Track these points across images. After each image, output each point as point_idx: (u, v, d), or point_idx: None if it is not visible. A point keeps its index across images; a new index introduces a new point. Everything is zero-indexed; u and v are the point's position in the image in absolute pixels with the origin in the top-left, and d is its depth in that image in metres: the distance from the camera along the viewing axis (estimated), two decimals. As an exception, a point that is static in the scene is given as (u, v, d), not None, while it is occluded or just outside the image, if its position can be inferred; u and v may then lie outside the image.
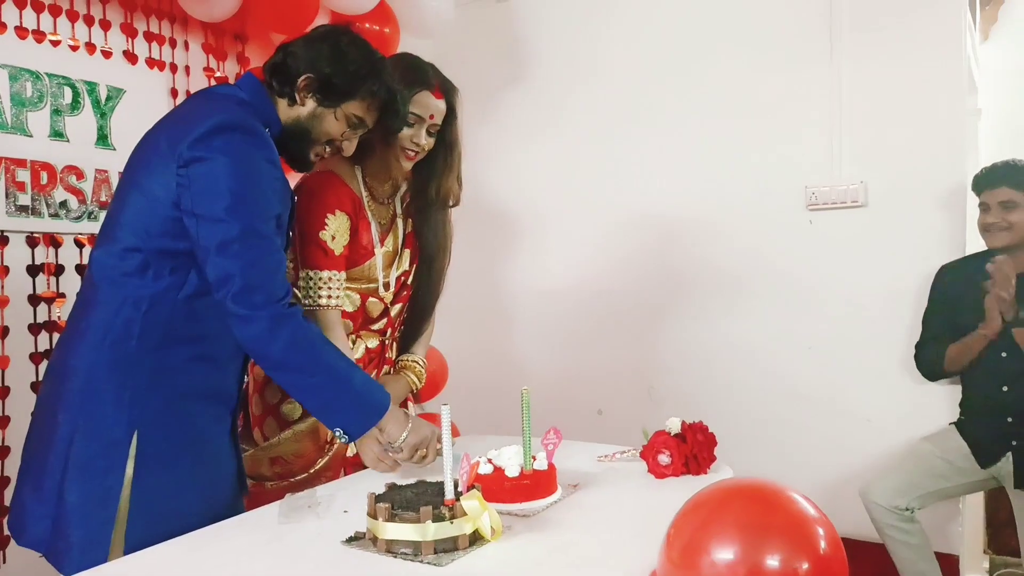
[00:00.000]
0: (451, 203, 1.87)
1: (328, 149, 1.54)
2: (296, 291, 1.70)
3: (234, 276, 1.31)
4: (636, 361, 3.01)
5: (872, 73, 2.61)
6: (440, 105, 1.73)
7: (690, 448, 1.47)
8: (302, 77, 1.46)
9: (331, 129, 1.50)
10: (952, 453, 2.32)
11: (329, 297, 1.68)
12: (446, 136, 1.77)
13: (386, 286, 1.81)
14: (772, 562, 0.95)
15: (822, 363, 2.69)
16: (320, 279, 1.68)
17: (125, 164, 1.46)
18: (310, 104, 1.48)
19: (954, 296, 2.39)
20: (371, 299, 1.80)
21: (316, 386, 1.39)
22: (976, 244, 2.48)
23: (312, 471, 1.74)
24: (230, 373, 1.49)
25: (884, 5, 2.60)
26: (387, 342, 1.87)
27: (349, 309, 1.77)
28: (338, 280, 1.70)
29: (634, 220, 3.02)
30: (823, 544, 0.98)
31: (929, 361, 2.44)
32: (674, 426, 1.52)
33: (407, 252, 1.86)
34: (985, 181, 2.32)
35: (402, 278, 1.85)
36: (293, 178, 1.62)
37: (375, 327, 1.82)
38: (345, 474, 1.77)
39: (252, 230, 1.32)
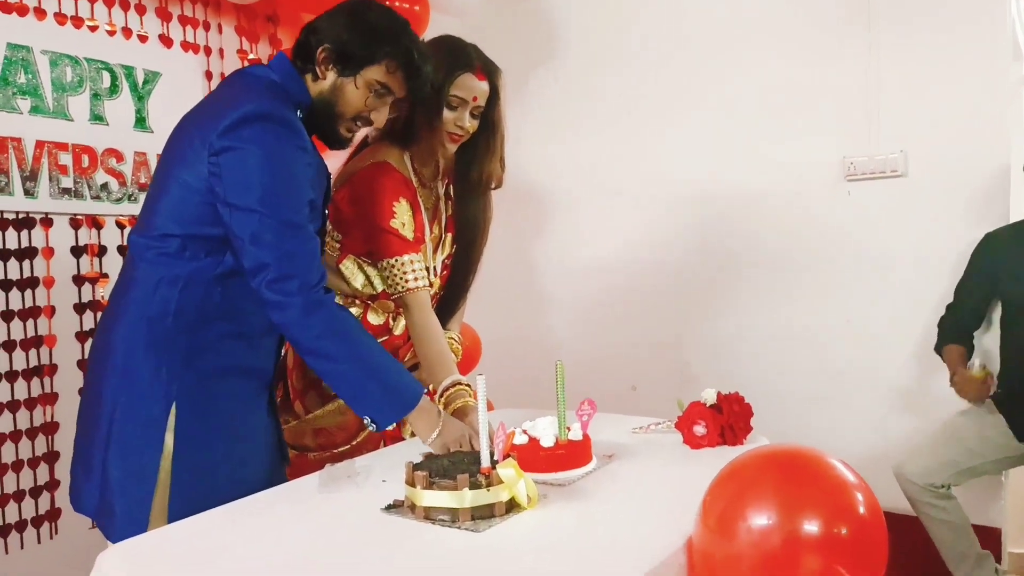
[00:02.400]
0: (493, 185, 1.86)
1: (360, 124, 1.52)
2: (378, 281, 1.76)
3: (269, 265, 1.33)
4: (670, 337, 3.00)
5: (912, 39, 2.55)
6: (483, 87, 1.71)
7: (726, 418, 1.46)
8: (320, 49, 1.46)
9: (354, 100, 1.47)
10: (988, 428, 2.28)
11: (416, 279, 1.70)
12: (489, 117, 1.76)
13: (433, 271, 1.82)
14: (810, 527, 0.95)
15: (860, 337, 2.65)
16: (402, 264, 1.70)
17: (162, 150, 1.49)
18: (331, 76, 1.47)
19: (997, 269, 2.33)
20: None
21: (346, 374, 1.40)
22: (1020, 214, 2.42)
23: (354, 443, 1.78)
24: (265, 350, 1.51)
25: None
26: None
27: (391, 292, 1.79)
28: (419, 261, 1.72)
29: (668, 197, 3.00)
30: (862, 510, 0.97)
31: (945, 328, 2.43)
32: (710, 397, 1.51)
33: (449, 236, 1.86)
34: None
35: (446, 262, 1.86)
36: (330, 159, 1.63)
37: None
38: (385, 446, 1.80)
39: (285, 220, 1.34)
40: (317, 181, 1.46)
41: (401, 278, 1.69)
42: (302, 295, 1.34)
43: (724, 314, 2.91)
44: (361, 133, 1.62)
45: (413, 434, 1.82)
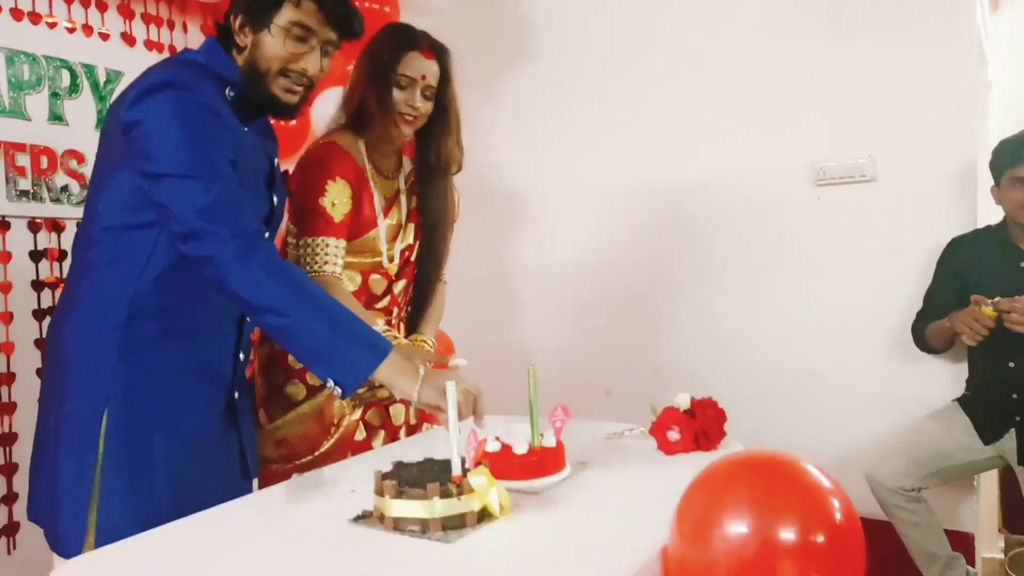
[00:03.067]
0: (453, 169, 1.84)
1: (293, 78, 1.43)
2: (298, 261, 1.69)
3: (194, 222, 1.26)
4: (644, 341, 3.00)
5: (880, 45, 2.57)
6: (431, 66, 1.72)
7: (700, 424, 1.45)
8: (233, 18, 1.43)
9: (274, 49, 1.40)
10: (956, 430, 2.30)
11: (327, 263, 1.65)
12: (442, 100, 1.76)
13: (390, 258, 1.79)
14: (787, 534, 0.93)
15: (830, 339, 2.67)
16: (319, 245, 1.66)
17: None
18: (248, 39, 1.42)
19: (961, 269, 2.36)
20: (373, 276, 1.79)
21: (300, 326, 1.27)
22: (986, 219, 2.45)
23: (317, 453, 1.73)
24: (215, 350, 1.46)
25: (891, -25, 2.55)
26: (393, 321, 1.85)
27: (351, 288, 1.76)
28: (337, 247, 1.67)
29: (640, 199, 2.99)
30: (838, 516, 0.96)
31: (919, 334, 2.42)
32: (683, 402, 1.50)
33: (411, 226, 1.84)
34: (1016, 155, 2.24)
35: (406, 252, 1.83)
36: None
37: (379, 305, 1.81)
38: (352, 455, 1.76)
39: (206, 175, 1.28)
40: (241, 148, 1.40)
41: (313, 259, 1.66)
42: (234, 242, 1.26)
43: (697, 317, 2.91)
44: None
45: (385, 441, 1.80)
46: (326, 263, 1.66)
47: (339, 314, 1.31)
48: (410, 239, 1.84)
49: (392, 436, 1.82)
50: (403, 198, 1.84)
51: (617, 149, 3.04)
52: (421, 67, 1.70)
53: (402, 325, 1.89)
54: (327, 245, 1.66)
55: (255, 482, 1.59)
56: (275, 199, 1.55)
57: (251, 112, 1.48)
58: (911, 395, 2.50)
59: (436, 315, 1.93)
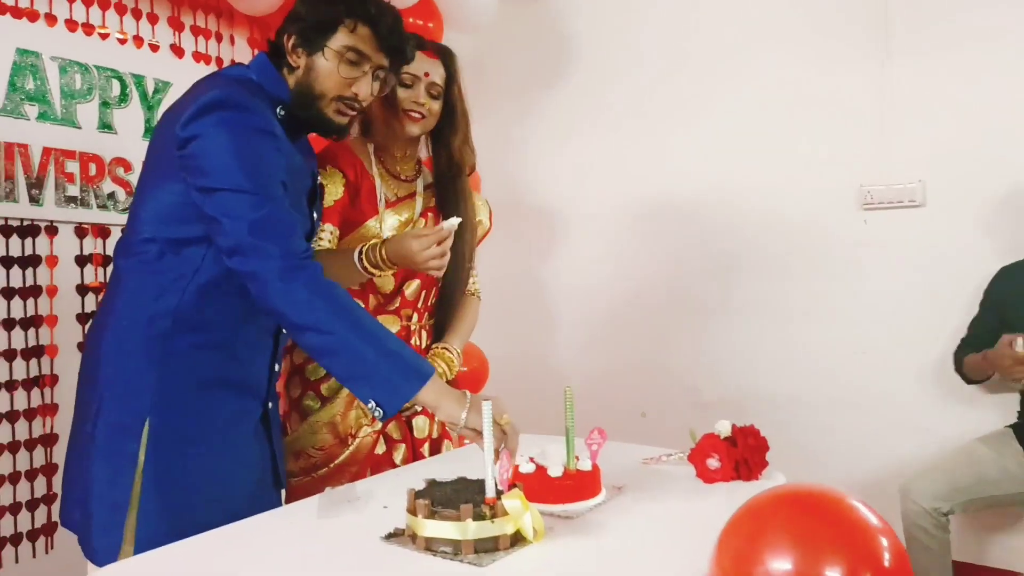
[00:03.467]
0: (465, 170, 1.84)
1: (347, 103, 1.45)
2: None
3: (243, 237, 1.27)
4: (681, 363, 2.95)
5: (930, 67, 2.52)
6: (434, 65, 1.75)
7: (741, 452, 1.41)
8: (286, 37, 1.44)
9: (328, 74, 1.42)
10: (1009, 458, 2.22)
11: (321, 241, 1.68)
12: (450, 101, 1.78)
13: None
14: (832, 573, 0.90)
15: (875, 368, 2.60)
16: (324, 235, 1.67)
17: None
18: (302, 60, 1.44)
19: (1003, 299, 2.29)
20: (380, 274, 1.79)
21: (341, 344, 1.26)
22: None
23: (333, 465, 1.72)
24: (252, 363, 1.46)
25: (942, -4, 2.50)
26: (412, 327, 1.83)
27: (354, 287, 1.76)
28: (325, 230, 1.69)
29: (681, 219, 2.96)
30: (887, 556, 0.92)
31: (959, 363, 2.35)
32: (724, 429, 1.46)
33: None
34: None
35: None
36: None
37: (391, 307, 1.80)
38: (371, 473, 1.74)
39: (259, 192, 1.28)
40: (292, 170, 1.41)
41: None
42: (281, 261, 1.26)
43: (735, 340, 2.86)
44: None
45: (406, 455, 1.78)
46: (318, 241, 1.68)
47: (383, 335, 1.30)
48: None
49: (413, 450, 1.80)
50: (419, 200, 1.84)
51: (655, 167, 3.01)
52: (423, 65, 1.73)
53: (423, 332, 1.86)
54: (323, 230, 1.68)
55: (283, 493, 1.59)
56: (315, 215, 1.57)
57: (299, 130, 1.50)
58: (957, 427, 2.43)
59: (465, 327, 1.90)
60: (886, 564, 0.91)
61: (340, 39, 1.43)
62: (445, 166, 1.83)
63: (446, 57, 1.78)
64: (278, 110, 1.43)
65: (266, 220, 1.28)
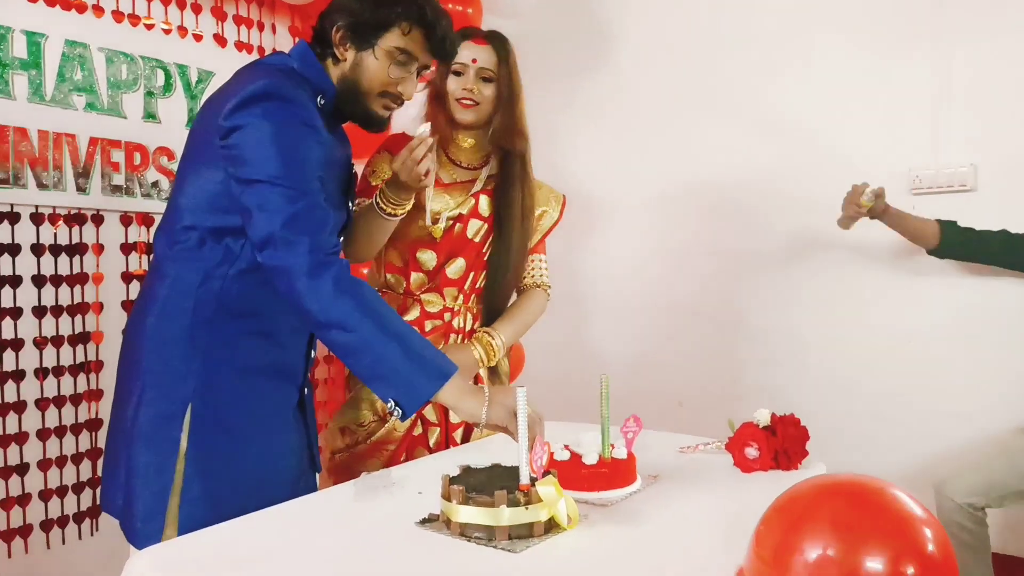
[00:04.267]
0: (515, 154, 1.84)
1: (391, 99, 1.48)
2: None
3: (275, 230, 1.27)
4: (718, 353, 2.91)
5: (982, 47, 2.43)
6: (482, 51, 1.79)
7: (780, 442, 1.39)
8: (335, 29, 1.43)
9: (377, 72, 1.44)
10: None
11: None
12: (501, 86, 1.80)
13: (434, 219, 1.79)
14: (874, 564, 0.87)
15: (922, 357, 2.53)
16: (358, 206, 1.71)
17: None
18: (350, 54, 1.45)
19: None
20: (420, 252, 1.80)
21: (364, 344, 1.26)
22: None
23: (370, 441, 1.75)
24: (291, 349, 1.47)
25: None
26: (456, 308, 1.83)
27: (397, 263, 1.81)
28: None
29: (722, 206, 2.91)
30: (931, 547, 0.90)
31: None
32: (763, 418, 1.43)
33: (471, 203, 1.83)
34: None
35: (457, 223, 1.81)
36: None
37: (433, 284, 1.81)
38: (408, 452, 1.76)
39: (295, 186, 1.29)
40: (330, 163, 1.43)
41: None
42: (309, 257, 1.26)
43: (776, 327, 2.81)
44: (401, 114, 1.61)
45: (439, 439, 1.79)
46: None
47: (406, 334, 1.30)
48: (464, 210, 1.82)
49: (447, 434, 1.81)
50: (478, 186, 1.85)
51: (695, 154, 2.97)
52: (471, 53, 1.78)
53: (469, 315, 1.86)
54: (362, 203, 1.73)
55: (317, 477, 1.61)
56: (351, 205, 1.58)
57: (339, 121, 1.51)
58: (997, 414, 2.36)
59: (519, 317, 1.89)
60: (930, 555, 0.89)
61: (392, 39, 1.43)
62: (498, 150, 1.86)
63: (496, 42, 1.80)
64: (319, 99, 1.44)
65: (300, 215, 1.28)
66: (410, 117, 1.91)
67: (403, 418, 1.29)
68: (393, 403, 1.28)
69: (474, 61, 1.77)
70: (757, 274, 2.86)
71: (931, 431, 2.52)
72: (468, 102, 1.78)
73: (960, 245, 2.32)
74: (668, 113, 3.03)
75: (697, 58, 2.96)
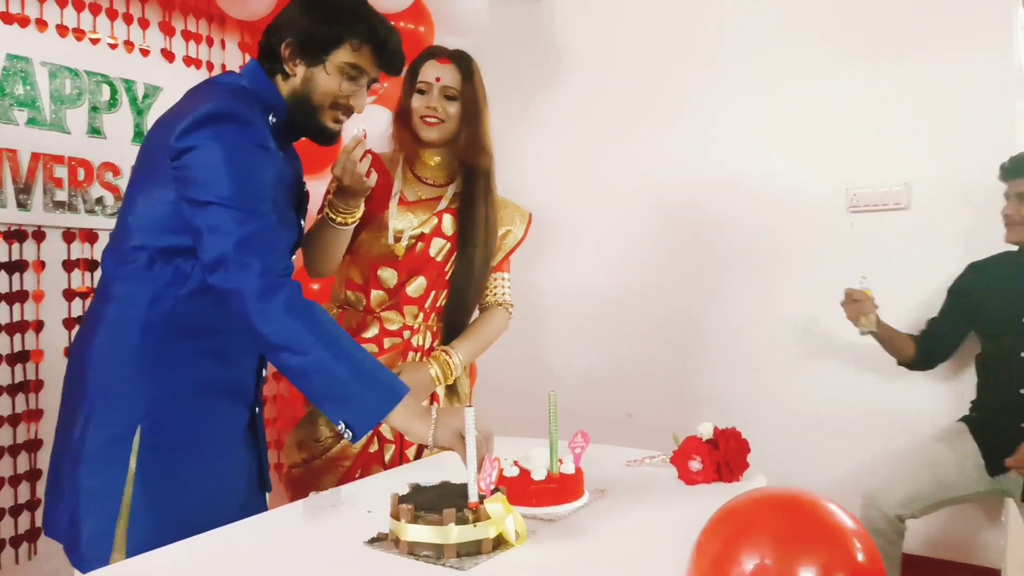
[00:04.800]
0: (478, 171, 1.85)
1: (342, 112, 1.49)
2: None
3: (227, 252, 1.27)
4: (667, 364, 2.97)
5: (917, 72, 2.55)
6: (446, 70, 1.80)
7: (722, 454, 1.43)
8: (283, 45, 1.43)
9: (328, 87, 1.45)
10: (964, 458, 2.24)
11: None
12: (464, 101, 1.81)
13: (396, 237, 1.80)
14: (807, 574, 0.91)
15: (861, 367, 2.62)
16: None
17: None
18: (300, 69, 1.45)
19: (975, 293, 2.34)
20: (382, 270, 1.80)
21: (314, 364, 1.26)
22: None
23: (326, 457, 1.75)
24: (242, 368, 1.47)
25: (930, 1, 2.53)
26: (416, 326, 1.84)
27: (358, 281, 1.81)
28: None
29: (667, 220, 2.98)
30: (861, 556, 0.94)
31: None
32: (706, 431, 1.47)
33: (435, 222, 1.84)
34: (1013, 170, 2.25)
35: (418, 242, 1.83)
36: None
37: (392, 302, 1.82)
38: (363, 469, 1.76)
39: (247, 208, 1.29)
40: (281, 182, 1.44)
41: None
42: (262, 279, 1.26)
43: (720, 340, 2.88)
44: (350, 124, 1.60)
45: (395, 455, 1.80)
46: None
47: (357, 356, 1.30)
48: (426, 229, 1.83)
49: (400, 451, 1.82)
50: (443, 204, 1.86)
51: (645, 170, 3.03)
52: (435, 71, 1.80)
53: (428, 333, 1.87)
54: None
55: (267, 496, 1.60)
56: (302, 223, 1.58)
57: (291, 137, 1.52)
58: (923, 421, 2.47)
59: (478, 335, 1.90)
60: (860, 564, 0.92)
61: (343, 55, 1.44)
62: (459, 165, 1.87)
63: (460, 61, 1.82)
64: (270, 117, 1.44)
65: (250, 237, 1.28)
66: (378, 135, 1.92)
67: (353, 440, 1.30)
68: (344, 425, 1.28)
69: (438, 80, 1.79)
70: (705, 289, 2.93)
71: (862, 442, 2.60)
72: (432, 120, 1.79)
73: (930, 353, 2.42)
74: (617, 129, 3.09)
75: (647, 73, 3.03)
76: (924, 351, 2.40)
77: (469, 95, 1.81)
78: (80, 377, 1.38)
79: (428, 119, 1.79)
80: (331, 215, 1.66)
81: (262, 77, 1.46)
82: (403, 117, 1.84)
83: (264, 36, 1.48)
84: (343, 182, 1.60)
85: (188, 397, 1.37)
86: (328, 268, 1.77)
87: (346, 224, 1.67)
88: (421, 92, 1.81)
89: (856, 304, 2.33)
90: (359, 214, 1.69)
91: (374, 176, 1.64)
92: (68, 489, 1.34)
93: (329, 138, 1.52)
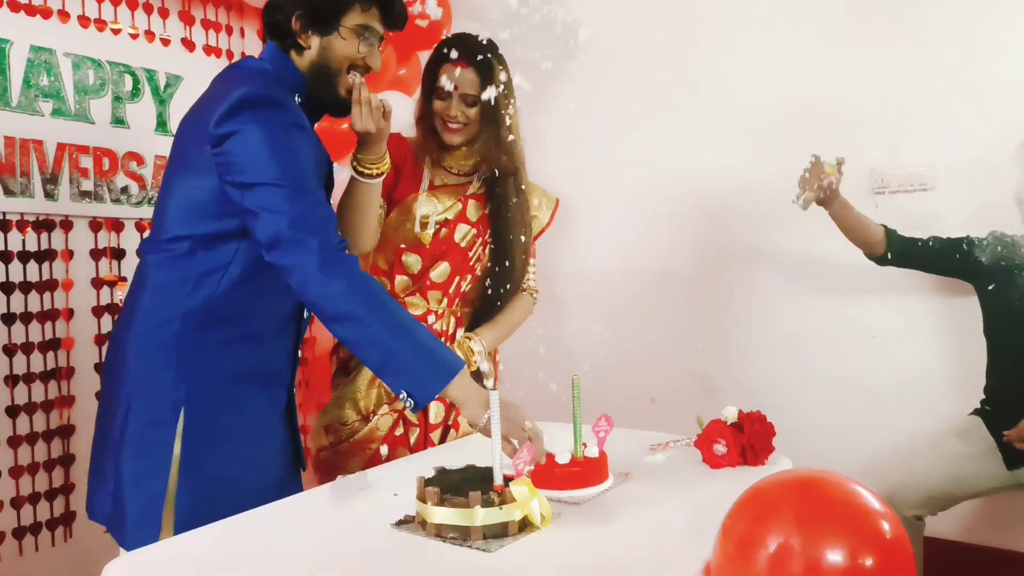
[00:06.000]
0: (507, 172, 1.85)
1: (359, 72, 1.50)
2: None
3: (283, 231, 1.29)
4: (690, 348, 2.96)
5: (938, 50, 2.50)
6: (465, 74, 1.77)
7: (747, 438, 1.43)
8: (293, 19, 1.44)
9: (346, 51, 1.47)
10: (982, 452, 2.16)
11: None
12: (487, 106, 1.79)
13: (422, 224, 1.81)
14: (834, 556, 0.91)
15: (887, 353, 2.60)
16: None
17: (168, 154, 1.48)
18: (315, 40, 1.46)
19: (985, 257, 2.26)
20: (406, 256, 1.82)
21: (377, 338, 1.30)
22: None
23: (353, 439, 1.77)
24: (279, 352, 1.49)
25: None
26: (439, 311, 1.85)
27: (383, 266, 1.83)
28: None
29: (692, 204, 2.96)
30: (889, 538, 0.93)
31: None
32: (731, 415, 1.47)
33: (459, 208, 1.85)
34: None
35: (443, 228, 1.84)
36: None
37: (416, 287, 1.83)
38: (389, 451, 1.78)
39: (296, 187, 1.31)
40: (319, 159, 1.45)
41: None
42: (321, 253, 1.29)
43: (746, 324, 2.86)
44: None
45: (419, 439, 1.81)
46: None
47: (416, 329, 1.34)
48: (450, 215, 1.84)
49: (425, 434, 1.83)
50: (470, 189, 1.87)
51: (666, 156, 3.01)
52: (454, 78, 1.77)
53: (452, 318, 1.88)
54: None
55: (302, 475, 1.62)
56: (330, 202, 1.58)
57: (313, 116, 1.53)
58: (956, 406, 2.43)
59: (502, 321, 1.92)
60: (887, 545, 0.92)
61: (354, 18, 1.46)
62: (486, 172, 1.87)
63: (480, 64, 1.78)
64: (295, 98, 1.45)
65: (305, 214, 1.31)
66: (400, 121, 1.92)
67: (414, 409, 1.32)
68: (406, 394, 1.31)
69: (456, 88, 1.77)
70: (726, 273, 2.91)
71: (892, 425, 2.58)
72: (455, 126, 1.79)
73: (903, 255, 2.31)
74: (640, 115, 3.06)
75: (666, 59, 3.00)
76: (901, 245, 2.30)
77: (492, 100, 1.79)
78: (119, 365, 1.40)
79: (451, 124, 1.79)
80: (360, 170, 1.65)
81: (283, 59, 1.47)
82: (425, 120, 1.83)
83: (267, 15, 1.49)
84: (364, 127, 1.57)
85: (228, 381, 1.39)
86: (365, 238, 1.73)
87: (375, 176, 1.66)
88: (441, 97, 1.79)
89: (810, 173, 2.19)
90: (387, 163, 1.67)
91: (391, 113, 1.62)
92: (111, 475, 1.36)
93: (344, 108, 1.53)
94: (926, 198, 2.53)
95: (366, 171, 1.65)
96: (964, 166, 2.48)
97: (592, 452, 1.34)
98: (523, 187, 1.90)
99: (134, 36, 2.29)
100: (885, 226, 2.33)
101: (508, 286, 1.89)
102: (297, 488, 1.53)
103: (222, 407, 1.38)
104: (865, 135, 2.61)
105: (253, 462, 1.42)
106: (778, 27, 2.76)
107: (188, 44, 2.43)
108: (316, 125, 1.55)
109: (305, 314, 1.54)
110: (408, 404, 1.31)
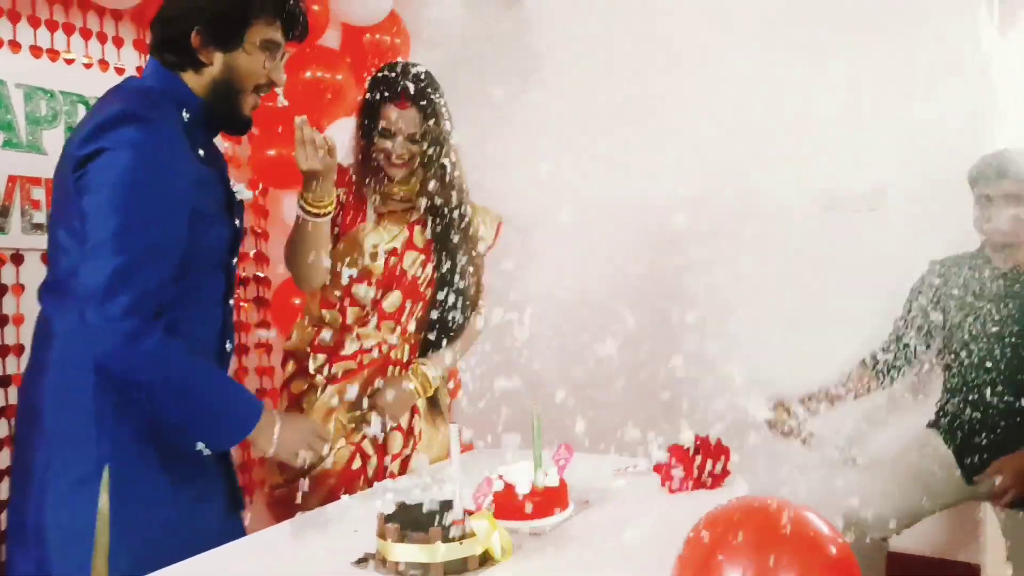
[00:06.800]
0: (449, 207, 1.86)
1: (263, 91, 1.45)
2: None
3: (100, 280, 1.21)
4: (650, 371, 2.98)
5: (889, 72, 2.58)
6: (406, 114, 1.78)
7: (704, 462, 1.45)
8: (192, 34, 1.36)
9: (252, 67, 1.40)
10: (939, 468, 2.20)
11: None
12: (428, 143, 1.80)
13: (372, 256, 1.82)
14: (786, 583, 0.93)
15: (838, 371, 2.65)
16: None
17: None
18: (216, 57, 1.38)
19: (941, 289, 2.34)
20: (356, 286, 1.82)
21: (165, 407, 1.29)
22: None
23: (308, 476, 1.75)
24: None
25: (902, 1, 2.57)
26: (393, 340, 1.85)
27: (331, 299, 1.82)
28: None
29: (649, 227, 3.00)
30: (839, 565, 0.96)
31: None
32: (687, 440, 1.50)
33: (406, 235, 1.86)
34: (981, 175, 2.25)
35: (391, 256, 1.84)
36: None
37: (370, 319, 1.83)
38: (347, 486, 1.76)
39: (136, 230, 1.23)
40: (202, 182, 1.38)
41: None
42: (128, 320, 1.21)
43: (701, 346, 2.90)
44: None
45: (376, 470, 1.81)
46: None
47: (208, 395, 1.35)
48: (397, 244, 1.85)
49: (382, 464, 1.83)
50: (414, 215, 1.88)
51: (622, 173, 3.05)
52: (393, 118, 1.77)
53: (406, 347, 1.89)
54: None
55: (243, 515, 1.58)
56: (237, 222, 1.52)
57: (207, 133, 1.46)
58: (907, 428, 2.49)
59: (456, 342, 1.96)
60: (836, 570, 0.95)
61: (258, 32, 1.40)
62: (427, 206, 1.86)
63: (419, 102, 1.78)
64: (183, 114, 1.38)
65: (128, 270, 1.22)
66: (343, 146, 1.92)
67: (207, 453, 1.35)
68: (202, 444, 1.33)
69: (399, 129, 1.77)
70: (689, 292, 2.94)
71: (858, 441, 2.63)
72: (398, 161, 1.79)
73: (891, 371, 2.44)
74: (596, 135, 3.10)
75: (621, 81, 3.05)
76: (886, 368, 2.39)
77: (433, 138, 1.80)
78: (34, 421, 1.32)
79: (394, 160, 1.79)
80: (307, 209, 1.66)
81: (166, 75, 1.39)
82: (367, 159, 1.82)
83: (158, 30, 1.40)
84: (310, 167, 1.58)
85: (152, 429, 1.32)
86: (316, 276, 1.76)
87: (321, 215, 1.66)
88: (384, 136, 1.78)
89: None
90: (332, 200, 1.68)
91: (335, 150, 1.63)
92: (33, 538, 1.29)
93: (245, 126, 1.48)
94: (875, 218, 2.60)
95: (313, 210, 1.65)
96: (914, 186, 2.55)
97: (552, 481, 1.35)
98: (467, 210, 1.91)
99: (88, 66, 2.26)
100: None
101: (460, 309, 1.91)
102: (238, 529, 1.47)
103: (150, 455, 1.32)
104: (818, 155, 2.68)
105: (187, 508, 1.36)
106: (734, 50, 2.82)
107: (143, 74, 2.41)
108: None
109: (228, 346, 1.49)
110: (205, 452, 1.34)
